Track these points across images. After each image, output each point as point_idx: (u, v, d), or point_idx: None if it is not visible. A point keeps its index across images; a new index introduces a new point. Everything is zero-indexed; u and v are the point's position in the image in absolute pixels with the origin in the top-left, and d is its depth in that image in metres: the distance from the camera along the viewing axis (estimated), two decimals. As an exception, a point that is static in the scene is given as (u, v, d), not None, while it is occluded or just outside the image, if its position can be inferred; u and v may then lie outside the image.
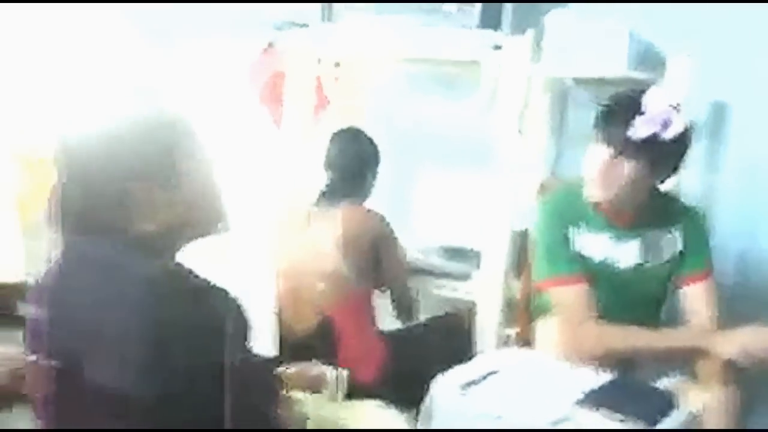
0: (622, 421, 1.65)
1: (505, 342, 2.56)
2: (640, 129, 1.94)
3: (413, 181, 2.99)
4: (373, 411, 1.96)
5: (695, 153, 2.22)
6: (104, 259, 1.26)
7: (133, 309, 1.18)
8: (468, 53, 2.60)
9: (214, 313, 1.20)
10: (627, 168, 2.00)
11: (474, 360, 1.98)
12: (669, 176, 2.10)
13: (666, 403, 1.75)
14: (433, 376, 1.79)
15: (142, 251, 1.26)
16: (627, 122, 1.95)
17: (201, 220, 1.36)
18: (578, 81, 2.74)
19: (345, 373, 1.99)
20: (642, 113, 1.94)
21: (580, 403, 1.70)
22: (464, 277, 2.69)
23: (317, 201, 2.44)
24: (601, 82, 2.57)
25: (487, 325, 2.57)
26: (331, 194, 2.45)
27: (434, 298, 2.71)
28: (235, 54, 2.82)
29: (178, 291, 1.21)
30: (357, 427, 1.89)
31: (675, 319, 2.17)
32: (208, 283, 1.24)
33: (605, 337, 2.01)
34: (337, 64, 2.81)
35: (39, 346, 1.20)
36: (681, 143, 2.00)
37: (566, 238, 2.13)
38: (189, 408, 1.16)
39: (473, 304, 2.61)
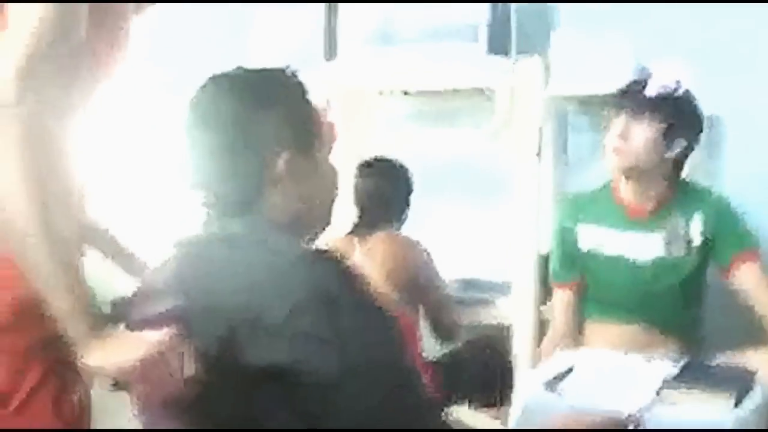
0: (706, 400, 1.68)
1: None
2: (653, 87, 2.09)
3: (428, 215, 3.01)
4: (468, 414, 1.94)
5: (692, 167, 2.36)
6: (251, 237, 1.26)
7: (293, 287, 1.18)
8: (478, 80, 2.66)
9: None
10: (645, 129, 2.09)
11: (548, 361, 1.99)
12: (685, 149, 2.16)
13: (746, 377, 1.77)
14: (479, 397, 1.80)
15: (284, 232, 1.26)
16: (641, 88, 2.10)
17: (321, 212, 1.37)
18: (583, 101, 2.82)
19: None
20: (653, 78, 2.10)
21: (665, 386, 1.72)
22: (488, 305, 2.72)
23: (354, 231, 2.45)
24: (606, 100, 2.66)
25: (523, 345, 2.58)
26: (367, 224, 2.46)
27: (467, 324, 2.71)
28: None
29: (331, 270, 1.23)
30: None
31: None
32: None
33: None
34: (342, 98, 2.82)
35: (187, 331, 1.17)
36: (693, 108, 2.14)
37: (572, 241, 2.23)
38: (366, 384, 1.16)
39: (507, 327, 2.62)
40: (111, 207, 1.82)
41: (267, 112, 1.30)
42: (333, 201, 1.40)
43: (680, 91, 2.10)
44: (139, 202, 2.67)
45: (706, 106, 2.39)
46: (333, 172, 1.41)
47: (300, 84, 1.37)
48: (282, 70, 1.37)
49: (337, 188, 1.41)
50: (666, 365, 1.84)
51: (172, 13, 1.66)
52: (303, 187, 1.33)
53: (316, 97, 1.39)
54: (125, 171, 2.72)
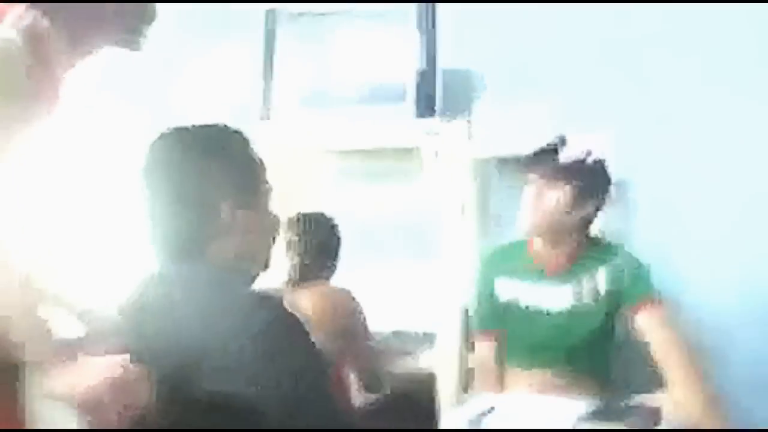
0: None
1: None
2: (566, 154, 2.25)
3: (359, 267, 3.12)
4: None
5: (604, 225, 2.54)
6: (198, 279, 1.36)
7: (236, 325, 1.29)
8: (406, 141, 2.81)
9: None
10: (557, 194, 2.25)
11: (468, 404, 2.11)
12: (594, 210, 2.33)
13: (655, 414, 1.93)
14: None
15: (228, 275, 1.37)
16: (555, 155, 2.27)
17: (261, 257, 1.48)
18: (504, 160, 2.99)
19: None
20: (566, 145, 2.27)
21: (580, 421, 1.86)
22: (414, 354, 2.85)
23: (287, 282, 2.55)
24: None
25: (447, 391, 2.70)
26: (299, 275, 2.57)
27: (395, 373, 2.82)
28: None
29: (273, 312, 1.36)
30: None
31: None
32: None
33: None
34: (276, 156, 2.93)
35: (141, 358, 1.27)
36: (602, 172, 2.30)
37: (491, 294, 2.40)
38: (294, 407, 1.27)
39: (432, 374, 2.74)
40: (60, 252, 1.88)
41: (211, 163, 1.42)
42: (272, 247, 1.51)
43: (590, 158, 2.27)
44: (89, 244, 2.71)
45: (618, 170, 2.59)
46: (274, 220, 1.52)
47: (243, 138, 1.50)
48: (226, 126, 1.49)
49: (276, 235, 1.53)
50: (580, 404, 1.99)
51: (110, 65, 1.74)
52: (245, 233, 1.44)
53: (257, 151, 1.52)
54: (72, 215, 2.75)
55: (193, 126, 1.48)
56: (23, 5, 1.42)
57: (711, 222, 2.82)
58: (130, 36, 1.57)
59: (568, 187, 2.25)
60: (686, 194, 2.87)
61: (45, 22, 1.42)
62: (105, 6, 1.51)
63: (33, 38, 1.39)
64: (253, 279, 1.51)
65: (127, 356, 1.25)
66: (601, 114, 2.88)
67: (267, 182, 1.50)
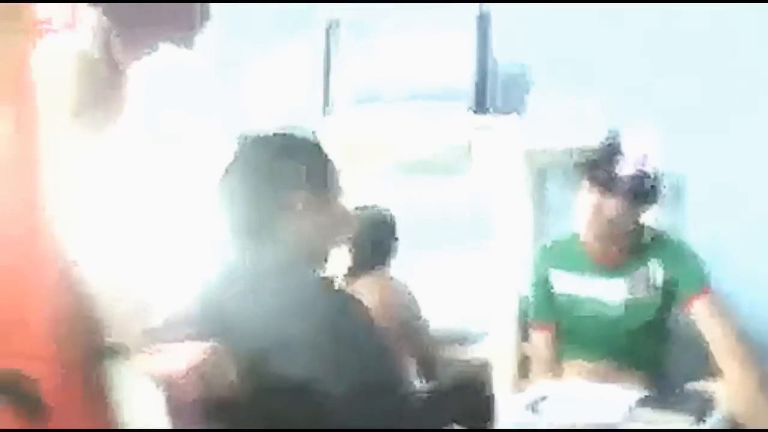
0: (673, 420, 1.88)
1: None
2: (625, 167, 2.26)
3: (411, 262, 3.20)
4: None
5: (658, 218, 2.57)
6: (271, 267, 1.46)
7: (307, 310, 1.38)
8: (460, 136, 2.88)
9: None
10: (615, 205, 2.28)
11: (524, 391, 2.18)
12: (649, 208, 2.37)
13: (708, 402, 1.98)
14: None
15: (298, 263, 1.47)
16: (611, 165, 2.27)
17: (326, 250, 1.58)
18: (557, 154, 3.04)
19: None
20: (622, 155, 2.27)
21: (635, 406, 1.92)
22: (470, 343, 2.93)
23: (347, 272, 2.65)
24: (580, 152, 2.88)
25: (503, 380, 2.77)
26: (358, 266, 2.66)
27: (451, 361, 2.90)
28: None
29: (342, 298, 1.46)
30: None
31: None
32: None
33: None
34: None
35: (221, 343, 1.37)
36: (657, 180, 2.32)
37: (547, 287, 2.46)
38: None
39: (488, 363, 2.81)
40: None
41: (286, 161, 1.54)
42: (341, 242, 1.61)
43: (646, 168, 2.28)
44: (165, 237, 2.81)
45: (670, 163, 2.63)
46: (345, 218, 1.62)
47: (315, 141, 1.62)
48: (300, 130, 1.62)
49: (349, 232, 1.63)
50: (633, 392, 2.05)
51: (178, 69, 1.83)
52: (316, 227, 1.54)
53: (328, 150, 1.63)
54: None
55: (272, 132, 1.62)
56: (88, 6, 1.51)
57: (764, 214, 2.86)
58: (186, 34, 1.64)
59: (623, 198, 2.28)
60: (739, 186, 2.91)
61: (107, 24, 1.50)
62: (161, 6, 1.58)
63: (104, 44, 1.49)
64: (320, 268, 1.61)
65: (210, 343, 1.34)
66: (652, 106, 2.91)
67: (337, 182, 1.59)
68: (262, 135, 1.61)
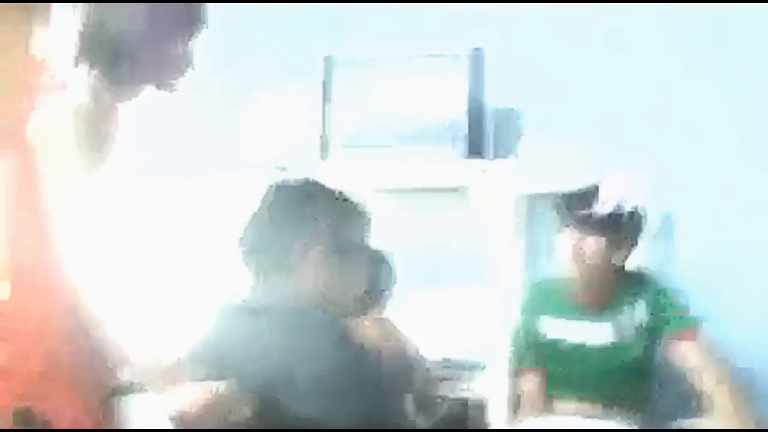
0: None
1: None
2: (602, 207, 2.34)
3: (410, 299, 3.26)
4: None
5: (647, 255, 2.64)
6: (284, 311, 1.54)
7: (314, 353, 1.47)
8: (455, 179, 2.97)
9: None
10: (594, 244, 2.37)
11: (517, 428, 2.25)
12: (630, 251, 2.45)
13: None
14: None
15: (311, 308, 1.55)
16: (589, 205, 2.36)
17: (346, 296, 1.66)
18: (547, 196, 3.11)
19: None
20: (600, 196, 2.36)
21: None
22: (465, 381, 2.99)
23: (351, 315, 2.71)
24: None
25: (497, 416, 2.83)
26: (360, 309, 2.72)
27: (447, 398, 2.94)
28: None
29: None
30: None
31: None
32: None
33: None
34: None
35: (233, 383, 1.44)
36: (637, 218, 2.41)
37: (535, 334, 2.54)
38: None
39: (483, 400, 2.87)
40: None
41: (304, 211, 1.64)
42: (360, 289, 1.68)
43: (625, 208, 2.37)
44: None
45: (658, 202, 2.68)
46: (362, 265, 1.71)
47: (335, 192, 1.70)
48: (319, 183, 1.70)
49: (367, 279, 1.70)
50: (624, 429, 2.11)
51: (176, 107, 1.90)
52: (331, 273, 1.62)
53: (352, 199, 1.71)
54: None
55: (294, 181, 1.73)
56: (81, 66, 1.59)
57: (750, 252, 2.90)
58: (170, 81, 1.71)
59: (603, 239, 2.37)
60: (726, 225, 2.95)
61: (96, 75, 1.58)
62: (146, 56, 1.66)
63: (96, 93, 1.57)
64: (333, 313, 1.68)
65: (223, 382, 1.41)
66: (640, 148, 2.99)
67: (362, 234, 1.69)
68: (284, 184, 1.70)
